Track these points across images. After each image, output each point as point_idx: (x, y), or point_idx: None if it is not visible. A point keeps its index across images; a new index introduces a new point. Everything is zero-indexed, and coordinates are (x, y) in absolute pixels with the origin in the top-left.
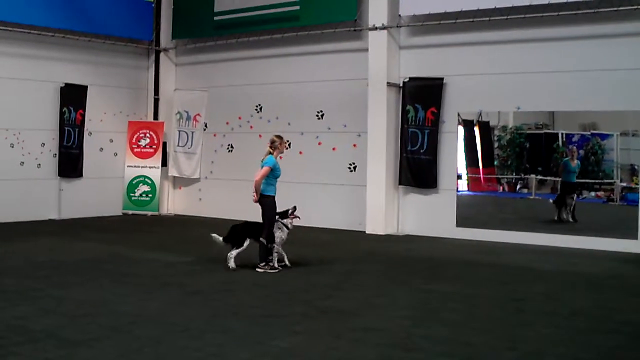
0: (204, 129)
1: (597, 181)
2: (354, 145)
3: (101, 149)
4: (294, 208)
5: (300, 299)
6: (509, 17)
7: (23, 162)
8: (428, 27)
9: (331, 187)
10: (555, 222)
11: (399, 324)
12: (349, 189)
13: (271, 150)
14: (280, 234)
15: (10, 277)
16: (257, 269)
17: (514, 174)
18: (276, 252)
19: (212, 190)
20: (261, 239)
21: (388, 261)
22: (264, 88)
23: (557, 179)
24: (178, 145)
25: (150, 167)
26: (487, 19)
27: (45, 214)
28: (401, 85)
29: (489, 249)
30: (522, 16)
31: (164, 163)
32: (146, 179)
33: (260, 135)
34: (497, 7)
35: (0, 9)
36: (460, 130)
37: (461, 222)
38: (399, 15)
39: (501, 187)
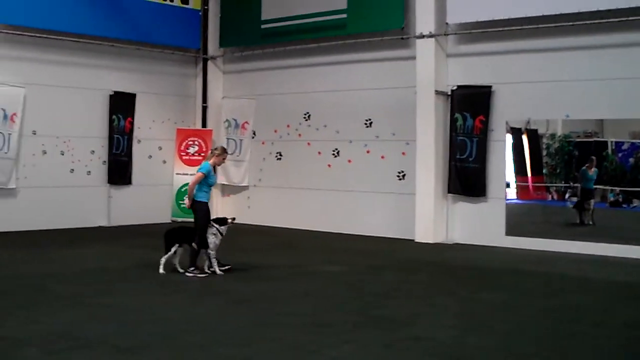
0: (253, 137)
1: None
2: (403, 153)
3: (150, 157)
4: (233, 219)
5: (350, 307)
6: (557, 25)
7: (73, 170)
8: (476, 35)
9: (380, 196)
10: (577, 225)
11: (448, 334)
12: (397, 197)
13: (208, 159)
14: (214, 240)
15: (61, 283)
16: (187, 274)
17: (563, 182)
18: (215, 258)
19: (260, 198)
20: (193, 244)
21: (437, 270)
22: (312, 96)
23: (606, 187)
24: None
25: None
26: (535, 26)
27: (95, 221)
28: (449, 93)
29: (538, 258)
30: (571, 24)
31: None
32: None
33: (308, 143)
34: (545, 14)
35: (52, 19)
36: (509, 138)
37: (510, 230)
38: (447, 23)
39: (550, 196)
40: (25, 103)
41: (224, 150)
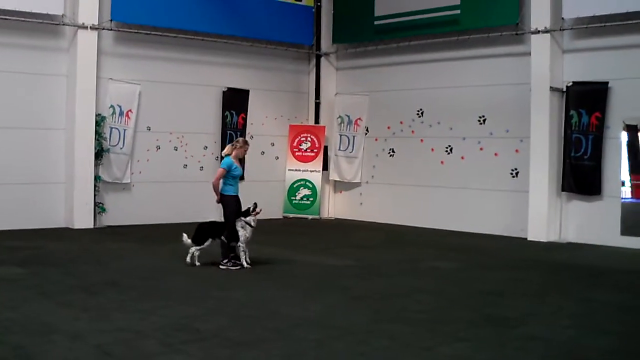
0: (365, 133)
1: None
2: (516, 150)
3: (262, 153)
4: (255, 205)
5: (464, 305)
6: None
7: (186, 165)
8: (592, 30)
9: (493, 193)
10: None
11: (564, 334)
12: (510, 195)
13: (229, 152)
14: (244, 232)
15: (177, 278)
16: (220, 266)
17: None
18: (243, 251)
19: (373, 194)
20: (222, 237)
21: (550, 269)
22: (425, 93)
23: None
24: (339, 149)
25: (311, 171)
26: None
27: (207, 216)
28: (564, 89)
29: None
30: None
31: (325, 167)
32: (307, 183)
33: (421, 140)
34: None
35: (165, 16)
36: (624, 135)
37: (626, 230)
38: (562, 18)
39: None
40: (140, 99)
41: (246, 142)
